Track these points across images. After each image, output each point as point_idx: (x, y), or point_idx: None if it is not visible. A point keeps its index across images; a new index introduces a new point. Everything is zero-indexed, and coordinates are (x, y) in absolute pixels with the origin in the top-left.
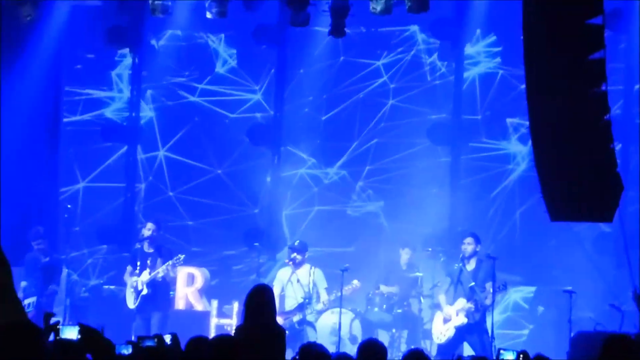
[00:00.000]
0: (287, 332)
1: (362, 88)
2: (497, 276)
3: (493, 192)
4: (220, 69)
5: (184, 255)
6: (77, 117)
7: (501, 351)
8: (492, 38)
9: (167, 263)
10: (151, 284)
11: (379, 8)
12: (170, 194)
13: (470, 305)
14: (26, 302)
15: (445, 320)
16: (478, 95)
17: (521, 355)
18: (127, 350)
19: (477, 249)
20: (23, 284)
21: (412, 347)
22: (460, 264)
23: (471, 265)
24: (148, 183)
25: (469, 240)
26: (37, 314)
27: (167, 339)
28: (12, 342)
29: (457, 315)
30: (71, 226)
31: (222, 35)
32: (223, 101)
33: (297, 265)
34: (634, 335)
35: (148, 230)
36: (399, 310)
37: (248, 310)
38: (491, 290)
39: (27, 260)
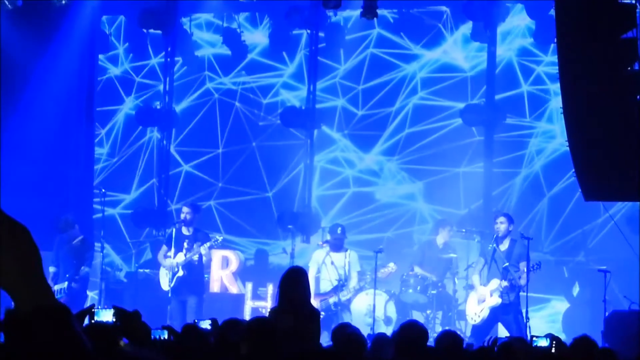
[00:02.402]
0: (322, 313)
1: (395, 75)
2: (531, 256)
3: (527, 171)
4: (254, 51)
5: (222, 237)
6: (111, 102)
7: (534, 338)
8: (527, 20)
9: (205, 245)
10: (187, 266)
11: None
12: (220, 184)
13: (505, 283)
14: (56, 287)
15: (479, 301)
16: (517, 71)
17: (554, 342)
18: (162, 335)
19: (510, 229)
20: (52, 269)
21: (447, 328)
22: (494, 244)
23: (504, 245)
24: (181, 168)
25: (501, 219)
26: (69, 299)
27: (206, 324)
28: (41, 326)
29: (491, 295)
30: (105, 210)
31: (256, 17)
32: (256, 84)
33: (333, 249)
34: None
35: (183, 213)
36: (434, 292)
37: (282, 293)
38: (525, 270)
39: (56, 246)
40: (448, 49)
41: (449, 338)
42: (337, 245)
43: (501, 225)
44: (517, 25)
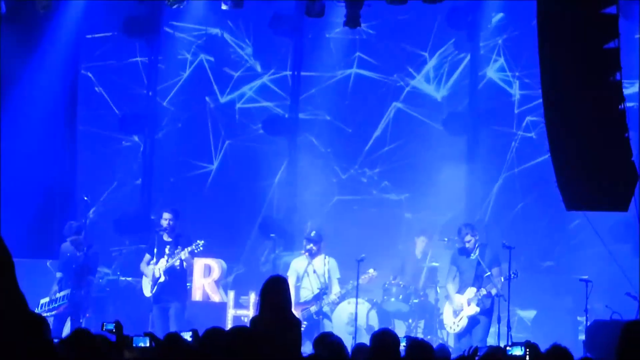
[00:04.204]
0: (305, 322)
1: (378, 89)
2: (515, 265)
3: (507, 178)
4: (236, 58)
5: (203, 241)
6: (94, 108)
7: (507, 347)
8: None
9: (187, 249)
10: (169, 271)
11: None
12: (202, 192)
13: (483, 291)
14: (59, 294)
15: (455, 312)
16: (499, 80)
17: (528, 349)
18: (143, 343)
19: (477, 237)
20: (58, 274)
21: (429, 337)
22: (474, 255)
23: (475, 253)
24: (163, 174)
25: (468, 237)
26: (71, 305)
27: (187, 335)
28: (12, 335)
29: (468, 304)
30: (88, 218)
31: (240, 25)
32: (239, 92)
33: (312, 255)
34: None
35: (165, 220)
36: (416, 300)
37: (263, 301)
38: (502, 279)
39: (61, 252)
40: (429, 70)
41: (418, 348)
42: (311, 250)
43: (469, 243)
44: (498, 34)
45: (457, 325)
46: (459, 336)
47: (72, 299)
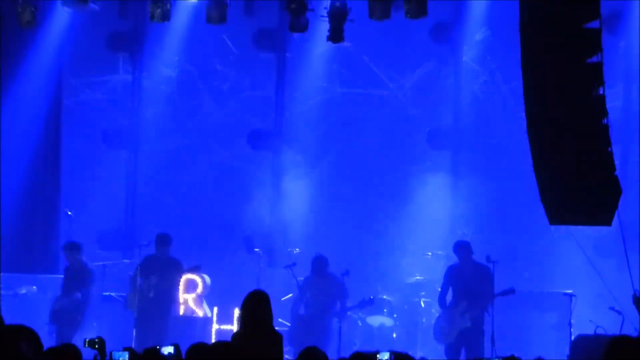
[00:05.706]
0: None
1: (362, 106)
2: (499, 280)
3: (492, 192)
4: (220, 72)
5: (200, 265)
6: (77, 123)
7: None
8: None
9: (185, 272)
10: (156, 288)
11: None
12: (187, 206)
13: (473, 307)
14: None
15: (447, 323)
16: (480, 93)
17: None
18: (123, 358)
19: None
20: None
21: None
22: (462, 269)
23: (470, 268)
24: (147, 190)
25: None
26: (63, 319)
27: (169, 349)
28: None
29: (461, 317)
30: (72, 233)
31: (224, 40)
32: (224, 107)
33: (314, 272)
34: None
35: (156, 239)
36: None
37: (245, 316)
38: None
39: (64, 267)
40: (413, 85)
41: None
42: (318, 272)
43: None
44: (483, 48)
45: (448, 337)
46: (449, 348)
47: (64, 313)
